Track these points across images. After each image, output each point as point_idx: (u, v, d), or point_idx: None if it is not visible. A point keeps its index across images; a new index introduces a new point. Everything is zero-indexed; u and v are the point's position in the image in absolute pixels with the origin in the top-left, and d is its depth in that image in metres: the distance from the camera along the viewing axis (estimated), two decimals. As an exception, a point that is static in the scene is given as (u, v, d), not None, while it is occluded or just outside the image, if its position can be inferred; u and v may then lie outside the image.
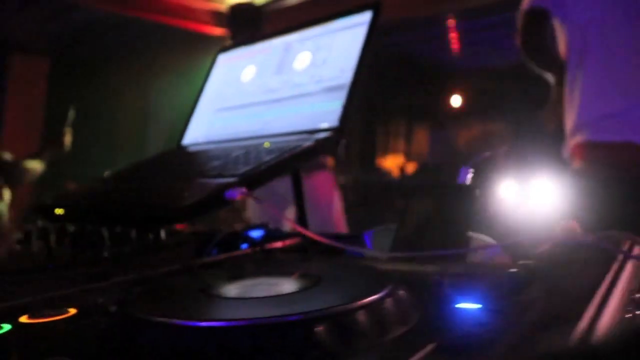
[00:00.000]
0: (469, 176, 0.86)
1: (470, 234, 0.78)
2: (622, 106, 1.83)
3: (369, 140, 9.81)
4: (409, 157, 10.84)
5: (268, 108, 0.94)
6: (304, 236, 0.90)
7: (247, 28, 2.85)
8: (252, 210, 3.01)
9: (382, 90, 8.76)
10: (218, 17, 5.14)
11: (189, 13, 4.99)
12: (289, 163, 0.74)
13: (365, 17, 0.97)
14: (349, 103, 0.84)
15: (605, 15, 1.89)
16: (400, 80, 8.07)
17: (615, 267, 0.57)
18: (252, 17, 2.94)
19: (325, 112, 0.86)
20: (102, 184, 0.89)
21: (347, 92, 0.85)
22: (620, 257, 0.61)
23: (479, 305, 0.47)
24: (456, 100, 8.62)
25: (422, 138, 10.48)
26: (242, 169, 0.69)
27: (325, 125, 0.85)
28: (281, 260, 0.76)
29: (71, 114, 3.14)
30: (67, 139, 3.18)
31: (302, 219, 0.89)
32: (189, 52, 5.60)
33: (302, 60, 0.99)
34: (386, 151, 10.43)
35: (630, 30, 1.86)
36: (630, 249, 0.66)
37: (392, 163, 9.81)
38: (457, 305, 0.48)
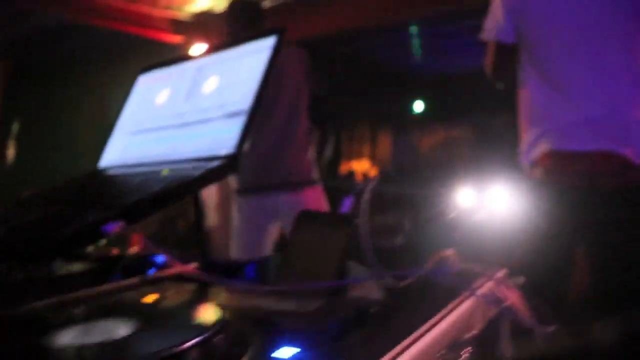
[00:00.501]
0: (351, 205, 0.88)
1: (351, 264, 0.79)
2: (589, 113, 1.84)
3: (334, 145, 9.81)
4: (373, 162, 10.90)
5: (176, 133, 0.95)
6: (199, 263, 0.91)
7: (245, 26, 2.80)
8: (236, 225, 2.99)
9: (346, 95, 8.81)
10: (177, 25, 5.12)
11: (149, 21, 4.96)
12: (176, 193, 0.75)
13: (270, 42, 0.99)
14: (246, 129, 0.85)
15: (564, 29, 1.92)
16: (364, 86, 8.13)
17: (452, 305, 0.59)
18: (252, 15, 2.88)
19: (224, 139, 0.86)
20: (5, 209, 0.89)
21: (245, 118, 0.86)
22: (466, 293, 0.63)
23: (297, 350, 0.48)
24: (419, 106, 8.71)
25: (386, 143, 10.54)
26: (129, 199, 0.70)
27: (223, 151, 0.86)
28: (128, 298, 0.75)
29: (15, 126, 3.09)
30: (10, 153, 3.13)
31: (202, 244, 0.89)
32: (148, 61, 5.55)
33: (211, 84, 1.00)
34: (351, 156, 10.46)
35: (591, 39, 1.89)
36: (483, 285, 0.68)
37: (357, 168, 9.85)
38: (274, 354, 0.49)
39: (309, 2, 4.82)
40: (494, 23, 2.06)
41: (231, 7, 2.90)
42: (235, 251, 2.93)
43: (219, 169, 0.82)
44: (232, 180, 2.92)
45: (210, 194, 5.30)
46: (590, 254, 1.88)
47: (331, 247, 0.79)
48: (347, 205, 0.87)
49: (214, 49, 1.11)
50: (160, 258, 0.88)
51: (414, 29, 6.71)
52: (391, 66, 7.91)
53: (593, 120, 1.83)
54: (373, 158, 10.90)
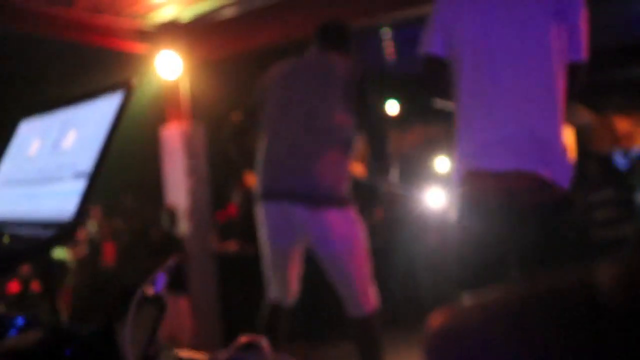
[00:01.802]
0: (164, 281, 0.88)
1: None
2: (508, 133, 1.88)
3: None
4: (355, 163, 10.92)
5: (31, 189, 0.94)
6: (46, 330, 0.92)
7: (335, 47, 2.67)
8: None
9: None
10: (142, 35, 5.11)
11: (112, 31, 4.95)
12: (7, 264, 0.76)
13: (118, 97, 0.96)
14: (87, 194, 0.84)
15: (488, 49, 1.95)
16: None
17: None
18: (342, 35, 2.76)
19: (67, 203, 0.85)
20: None
21: (87, 182, 0.85)
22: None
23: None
24: (393, 107, 8.72)
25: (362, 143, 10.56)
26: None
27: (62, 218, 0.85)
28: None
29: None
30: None
31: (52, 311, 0.90)
32: (113, 71, 5.54)
33: (69, 138, 0.98)
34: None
35: (513, 61, 1.93)
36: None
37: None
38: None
39: (274, 9, 4.81)
40: (427, 36, 2.09)
41: (322, 29, 2.75)
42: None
43: (53, 239, 0.82)
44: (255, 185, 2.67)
45: (180, 202, 5.32)
46: (517, 269, 1.94)
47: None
48: (160, 282, 0.87)
49: (71, 100, 1.08)
50: (18, 321, 0.87)
51: (385, 31, 6.73)
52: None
53: (512, 140, 1.87)
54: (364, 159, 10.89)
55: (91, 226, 5.34)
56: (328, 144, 2.51)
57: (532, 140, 1.85)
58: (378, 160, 2.67)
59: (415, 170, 7.10)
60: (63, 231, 0.83)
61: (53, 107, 1.12)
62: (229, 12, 4.98)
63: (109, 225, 5.27)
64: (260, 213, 2.61)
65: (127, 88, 0.94)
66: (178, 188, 5.30)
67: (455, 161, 2.04)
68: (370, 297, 2.63)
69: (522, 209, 1.86)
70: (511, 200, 1.86)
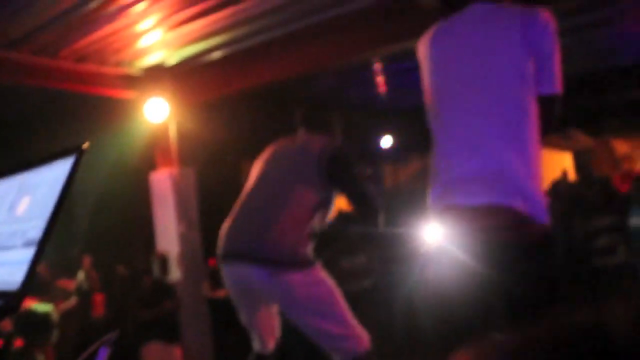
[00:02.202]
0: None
1: None
2: (478, 168, 1.83)
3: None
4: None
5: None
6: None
7: (319, 130, 2.82)
8: None
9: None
10: (129, 81, 5.07)
11: (98, 79, 4.91)
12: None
13: (68, 163, 0.97)
14: (34, 264, 0.83)
15: (457, 85, 1.91)
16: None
17: None
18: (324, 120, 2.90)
19: (15, 272, 0.84)
20: None
21: (35, 250, 0.84)
22: None
23: None
24: (387, 141, 8.69)
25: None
26: None
27: (9, 288, 0.84)
28: None
29: None
30: None
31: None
32: (101, 117, 5.51)
33: (23, 204, 0.99)
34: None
35: (483, 97, 1.87)
36: None
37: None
38: None
39: (260, 51, 4.79)
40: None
41: (304, 115, 2.90)
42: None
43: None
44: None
45: (171, 248, 5.21)
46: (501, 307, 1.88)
47: None
48: (101, 358, 0.80)
49: (28, 164, 1.07)
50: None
51: (376, 66, 6.71)
52: (357, 102, 7.88)
53: (485, 175, 1.81)
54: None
55: (80, 276, 5.22)
56: (288, 210, 2.56)
57: (504, 176, 1.80)
58: (366, 225, 2.72)
59: (413, 204, 6.98)
60: (9, 302, 0.83)
61: (13, 171, 1.15)
62: (215, 55, 4.95)
63: (98, 276, 5.15)
64: (223, 274, 2.66)
65: (79, 152, 0.98)
66: (169, 234, 5.21)
67: (429, 200, 1.97)
68: (356, 340, 2.60)
69: (498, 247, 1.80)
70: (487, 237, 1.80)
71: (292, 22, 4.38)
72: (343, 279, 5.43)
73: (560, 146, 12.25)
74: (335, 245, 5.84)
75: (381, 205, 2.67)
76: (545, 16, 1.88)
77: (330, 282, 2.61)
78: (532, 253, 1.81)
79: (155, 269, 5.11)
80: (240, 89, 5.16)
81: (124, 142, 5.48)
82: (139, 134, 5.36)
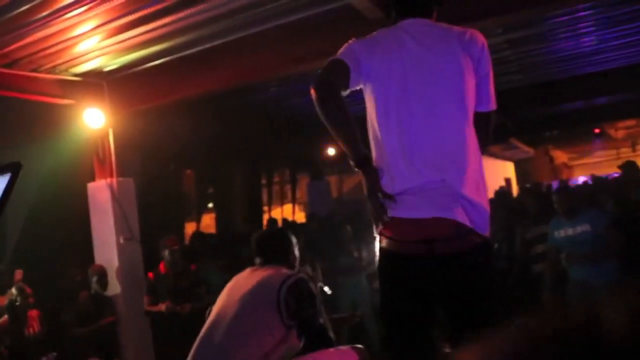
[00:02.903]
0: None
1: None
2: (423, 182, 1.83)
3: (254, 192, 9.72)
4: (296, 206, 10.84)
5: None
6: None
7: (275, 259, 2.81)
8: None
9: (264, 143, 8.74)
10: (65, 87, 4.88)
11: (32, 86, 4.71)
12: None
13: (3, 181, 0.99)
14: None
15: (400, 98, 1.89)
16: (282, 134, 8.07)
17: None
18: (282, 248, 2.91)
19: None
20: None
21: None
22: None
23: None
24: (331, 151, 8.70)
25: (304, 188, 10.52)
26: None
27: None
28: None
29: None
30: None
31: None
32: (35, 124, 5.29)
33: None
34: (271, 202, 10.38)
35: (426, 112, 1.87)
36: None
37: (278, 215, 9.73)
38: None
39: (198, 58, 4.70)
40: (348, 48, 1.95)
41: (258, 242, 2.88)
42: None
43: None
44: None
45: (110, 261, 5.03)
46: (446, 310, 1.94)
47: None
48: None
49: None
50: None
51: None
52: (303, 113, 7.87)
53: (429, 189, 1.82)
54: (295, 203, 10.84)
55: (12, 292, 4.96)
56: (249, 350, 2.50)
57: (449, 188, 1.82)
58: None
59: (358, 215, 6.96)
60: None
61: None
62: (154, 63, 4.83)
63: (32, 291, 4.91)
64: None
65: (14, 170, 1.00)
66: (107, 246, 5.03)
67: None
68: None
69: (442, 257, 1.83)
70: (430, 249, 1.83)
71: (233, 31, 4.32)
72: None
73: (503, 156, 12.57)
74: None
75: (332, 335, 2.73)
76: (482, 37, 1.92)
77: None
78: (473, 262, 1.85)
79: (93, 283, 4.91)
80: (181, 98, 5.05)
81: (60, 151, 5.26)
82: (76, 142, 5.17)
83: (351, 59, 1.89)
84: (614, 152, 14.10)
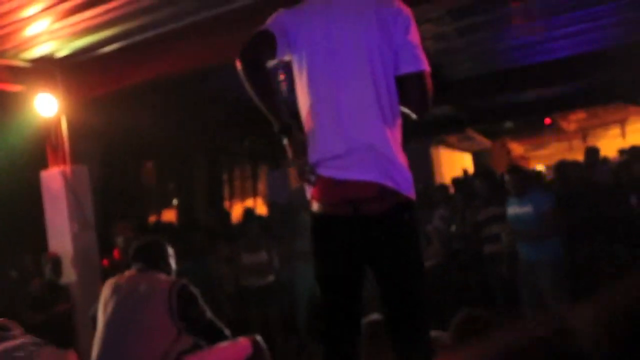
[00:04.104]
0: None
1: None
2: (353, 146, 1.92)
3: (215, 185, 9.70)
4: (257, 198, 10.85)
5: None
6: None
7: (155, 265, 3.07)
8: None
9: (223, 135, 8.73)
10: (15, 73, 4.80)
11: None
12: None
13: None
14: None
15: (328, 63, 1.96)
16: (240, 125, 8.06)
17: None
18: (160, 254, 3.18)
19: None
20: None
21: None
22: None
23: None
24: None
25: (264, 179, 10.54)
26: None
27: None
28: None
29: None
30: None
31: None
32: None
33: None
34: (233, 196, 10.36)
35: (355, 75, 1.96)
36: None
37: (240, 207, 9.73)
38: None
39: (154, 43, 4.68)
40: (275, 18, 2.02)
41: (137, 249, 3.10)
42: None
43: None
44: None
45: (64, 249, 4.99)
46: (375, 269, 2.01)
47: None
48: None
49: None
50: None
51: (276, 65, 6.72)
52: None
53: (353, 152, 1.91)
54: (256, 195, 10.85)
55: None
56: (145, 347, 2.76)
57: (372, 153, 1.91)
58: None
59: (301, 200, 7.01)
60: None
61: None
62: (109, 48, 4.79)
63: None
64: None
65: None
66: (61, 234, 4.98)
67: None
68: None
69: (367, 218, 1.92)
70: (356, 209, 1.91)
71: (190, 14, 4.31)
72: (245, 276, 5.43)
73: (460, 147, 12.81)
74: (236, 242, 5.81)
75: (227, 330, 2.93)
76: (399, 2, 2.02)
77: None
78: (398, 221, 1.94)
79: (47, 271, 4.86)
80: (136, 84, 5.02)
81: (11, 138, 5.18)
82: (28, 129, 5.10)
83: (278, 29, 1.97)
84: (566, 144, 14.51)
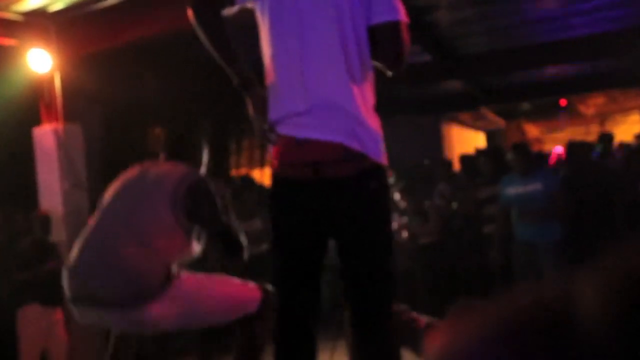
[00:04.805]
0: None
1: None
2: (316, 104, 1.76)
3: (221, 154, 9.60)
4: (264, 169, 10.74)
5: None
6: None
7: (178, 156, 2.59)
8: None
9: (233, 102, 8.57)
10: (6, 26, 4.68)
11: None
12: None
13: None
14: None
15: (292, 20, 1.81)
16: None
17: None
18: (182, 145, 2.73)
19: None
20: None
21: None
22: None
23: None
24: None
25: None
26: None
27: None
28: None
29: None
30: None
31: None
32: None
33: None
34: (239, 165, 10.27)
35: (308, 25, 1.80)
36: None
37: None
38: None
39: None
40: None
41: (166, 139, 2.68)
42: None
43: None
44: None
45: (55, 208, 4.92)
46: (337, 241, 1.86)
47: None
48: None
49: None
50: None
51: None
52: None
53: (316, 110, 1.76)
54: (263, 165, 10.75)
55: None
56: (136, 251, 2.30)
57: (336, 111, 1.75)
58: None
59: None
60: None
61: None
62: (105, 2, 4.64)
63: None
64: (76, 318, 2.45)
65: None
66: (52, 193, 4.90)
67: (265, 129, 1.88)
68: (246, 305, 2.44)
69: (330, 181, 1.76)
70: (317, 172, 1.76)
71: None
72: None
73: (474, 125, 12.54)
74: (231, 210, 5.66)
75: (244, 240, 2.49)
76: None
77: (193, 281, 2.39)
78: (364, 187, 1.77)
79: (36, 229, 4.80)
80: (133, 41, 4.87)
81: (3, 94, 5.08)
82: (21, 85, 4.99)
83: None
84: (584, 128, 14.18)
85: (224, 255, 2.57)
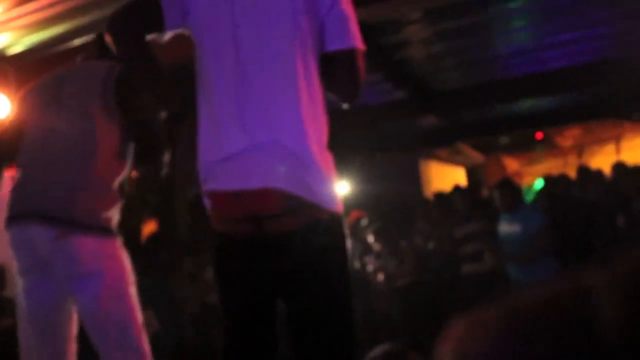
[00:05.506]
0: None
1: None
2: (246, 143, 1.53)
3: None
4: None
5: None
6: None
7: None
8: None
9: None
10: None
11: None
12: None
13: None
14: None
15: (223, 53, 1.61)
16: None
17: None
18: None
19: None
20: None
21: None
22: None
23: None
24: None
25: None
26: None
27: None
28: None
29: None
30: None
31: None
32: None
33: None
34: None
35: (256, 67, 1.59)
36: None
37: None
38: None
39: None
40: None
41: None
42: None
43: None
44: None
45: (10, 260, 4.66)
46: (287, 307, 1.61)
47: None
48: None
49: None
50: None
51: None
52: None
53: (258, 152, 1.51)
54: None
55: None
56: (83, 159, 2.11)
57: (279, 152, 1.50)
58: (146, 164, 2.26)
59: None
60: None
61: None
62: (71, 43, 4.49)
63: None
64: (9, 243, 2.25)
65: None
66: (7, 243, 4.65)
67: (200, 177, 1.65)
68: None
69: (274, 237, 1.51)
70: (259, 227, 1.51)
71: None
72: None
73: (453, 161, 12.49)
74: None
75: (165, 143, 2.16)
76: None
77: (127, 265, 2.10)
78: (314, 242, 1.51)
79: None
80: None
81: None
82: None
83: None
84: (562, 160, 14.23)
85: (140, 157, 2.21)
